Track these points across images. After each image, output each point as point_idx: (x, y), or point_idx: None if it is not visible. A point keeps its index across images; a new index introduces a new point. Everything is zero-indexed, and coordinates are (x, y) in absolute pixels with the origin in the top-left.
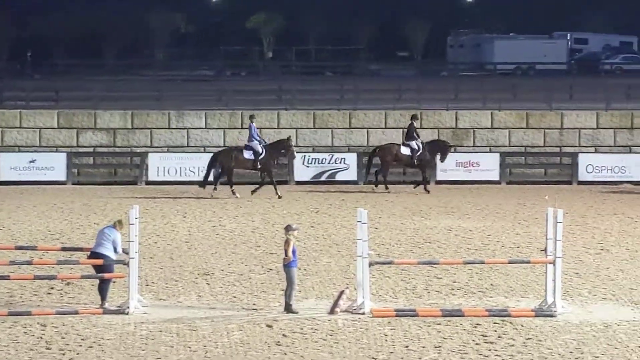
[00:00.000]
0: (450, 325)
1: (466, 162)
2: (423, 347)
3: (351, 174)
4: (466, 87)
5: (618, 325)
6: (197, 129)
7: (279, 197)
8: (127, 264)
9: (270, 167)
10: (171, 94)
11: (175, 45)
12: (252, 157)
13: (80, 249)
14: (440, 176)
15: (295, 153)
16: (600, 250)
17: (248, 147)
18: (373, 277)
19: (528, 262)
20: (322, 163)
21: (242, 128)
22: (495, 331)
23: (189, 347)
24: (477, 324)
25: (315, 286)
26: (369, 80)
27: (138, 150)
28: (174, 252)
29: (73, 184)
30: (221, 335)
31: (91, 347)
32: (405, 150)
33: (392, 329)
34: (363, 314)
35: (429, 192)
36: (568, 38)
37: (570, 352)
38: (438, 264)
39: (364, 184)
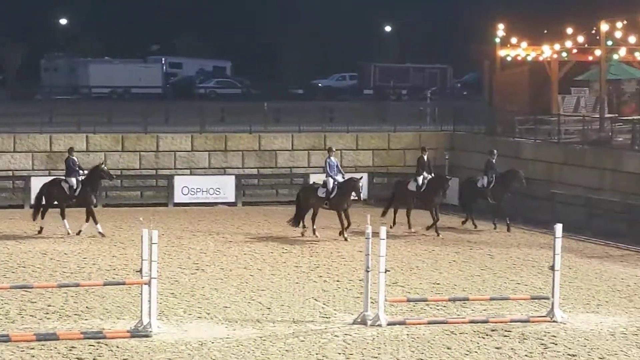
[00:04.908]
0: (45, 349)
1: None
2: None
3: None
4: (61, 111)
5: (212, 342)
6: None
7: (345, 240)
8: None
9: (340, 206)
10: None
11: None
12: (324, 195)
13: None
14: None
15: (361, 194)
16: (195, 270)
17: (323, 184)
18: None
19: (123, 284)
20: None
21: None
22: (91, 353)
23: None
24: (73, 347)
25: None
26: None
27: None
28: None
29: None
30: None
31: None
32: (411, 187)
33: None
34: None
35: (433, 228)
36: (163, 62)
37: None
38: (32, 287)
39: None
